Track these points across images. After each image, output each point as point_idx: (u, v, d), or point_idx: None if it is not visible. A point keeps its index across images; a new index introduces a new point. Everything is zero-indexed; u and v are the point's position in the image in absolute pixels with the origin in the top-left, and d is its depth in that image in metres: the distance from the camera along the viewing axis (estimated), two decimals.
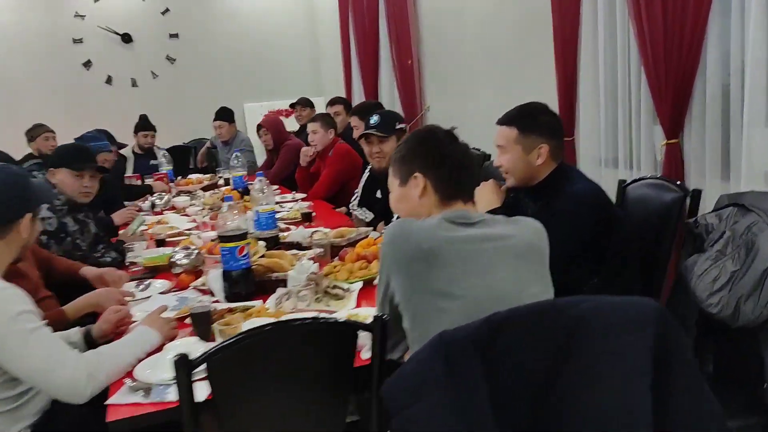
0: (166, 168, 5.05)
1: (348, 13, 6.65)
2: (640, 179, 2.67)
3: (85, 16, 7.35)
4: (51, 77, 7.34)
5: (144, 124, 5.91)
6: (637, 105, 3.04)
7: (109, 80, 7.56)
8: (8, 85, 7.20)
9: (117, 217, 3.71)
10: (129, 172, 5.09)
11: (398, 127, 3.18)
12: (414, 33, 5.45)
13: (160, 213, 4.04)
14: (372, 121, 3.10)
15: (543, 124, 2.19)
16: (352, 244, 2.69)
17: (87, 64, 7.45)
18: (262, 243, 2.67)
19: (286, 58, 8.08)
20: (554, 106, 2.75)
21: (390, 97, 6.03)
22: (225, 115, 6.04)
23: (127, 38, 7.54)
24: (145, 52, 7.66)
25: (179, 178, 5.22)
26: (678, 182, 2.49)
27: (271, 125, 5.38)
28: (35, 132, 5.45)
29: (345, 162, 4.09)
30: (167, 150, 5.96)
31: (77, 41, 7.38)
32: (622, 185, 2.69)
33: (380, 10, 5.91)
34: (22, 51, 7.21)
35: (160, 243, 3.14)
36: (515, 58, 4.15)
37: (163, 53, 7.72)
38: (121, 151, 5.83)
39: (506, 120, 2.22)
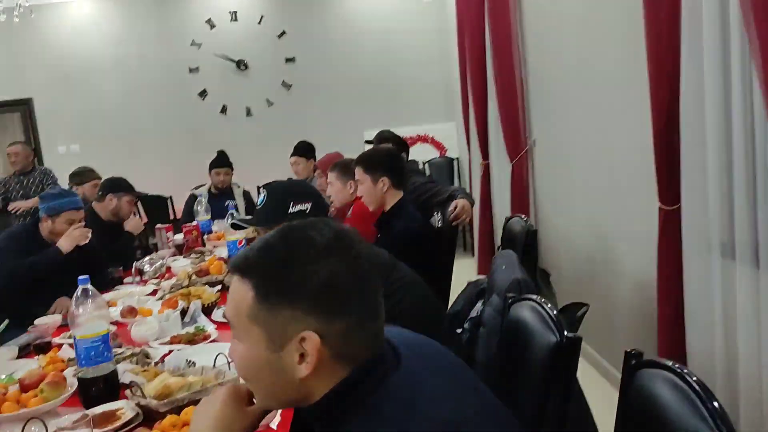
0: (203, 217, 4.53)
1: (464, 31, 5.72)
2: None
3: (201, 44, 7.29)
4: (168, 108, 7.36)
5: (218, 161, 5.51)
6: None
7: (224, 110, 7.42)
8: (128, 118, 7.34)
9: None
10: (201, 216, 4.46)
11: (292, 210, 1.99)
12: (517, 56, 4.41)
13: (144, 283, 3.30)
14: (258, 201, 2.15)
15: None
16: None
17: (202, 94, 7.38)
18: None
19: (414, 81, 7.40)
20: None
21: (496, 129, 4.99)
22: (303, 149, 5.43)
23: (242, 65, 7.35)
24: (260, 78, 7.40)
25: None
26: None
27: (326, 167, 4.62)
28: (85, 177, 5.26)
29: (367, 226, 3.23)
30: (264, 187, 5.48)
31: (193, 70, 7.34)
32: None
33: (486, 30, 4.92)
34: (142, 83, 7.32)
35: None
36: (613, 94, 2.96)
37: (278, 79, 7.41)
38: (197, 191, 5.49)
39: None
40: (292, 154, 5.41)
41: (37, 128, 7.28)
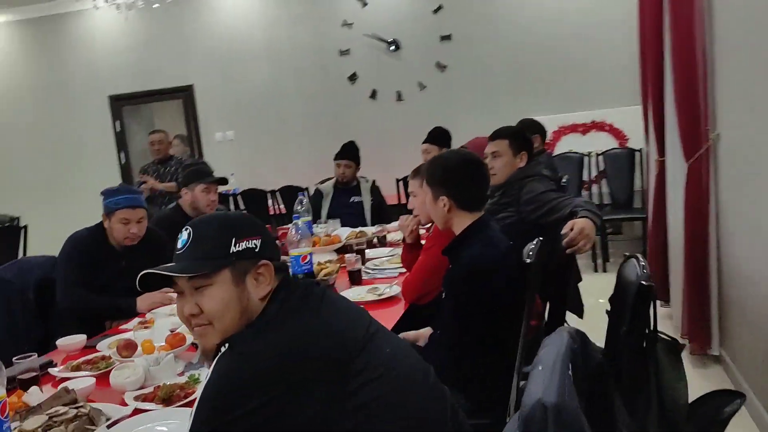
0: (305, 218, 4.05)
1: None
2: None
3: (353, 23, 6.92)
4: (317, 93, 7.13)
5: (340, 151, 5.04)
6: None
7: (373, 94, 7.00)
8: (278, 103, 7.24)
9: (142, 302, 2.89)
10: (302, 216, 4.08)
11: (236, 249, 1.36)
12: (699, 26, 3.36)
13: None
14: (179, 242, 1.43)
15: None
16: None
17: (352, 78, 7.02)
18: None
19: (591, 59, 6.37)
20: None
21: (672, 119, 3.94)
22: (437, 136, 4.81)
23: (394, 45, 6.86)
24: (413, 59, 6.86)
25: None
26: None
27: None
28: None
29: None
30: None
31: (344, 53, 7.00)
32: None
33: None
34: (292, 67, 7.16)
35: None
36: None
37: (432, 60, 6.81)
38: (323, 185, 5.12)
39: None
40: (425, 141, 4.81)
41: (197, 115, 7.46)
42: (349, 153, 5.04)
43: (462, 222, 2.11)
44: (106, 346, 2.29)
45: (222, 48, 7.28)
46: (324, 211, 4.98)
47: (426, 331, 2.38)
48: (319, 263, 3.42)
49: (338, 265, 2.97)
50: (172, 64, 7.42)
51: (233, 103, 7.34)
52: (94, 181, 7.57)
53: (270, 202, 6.34)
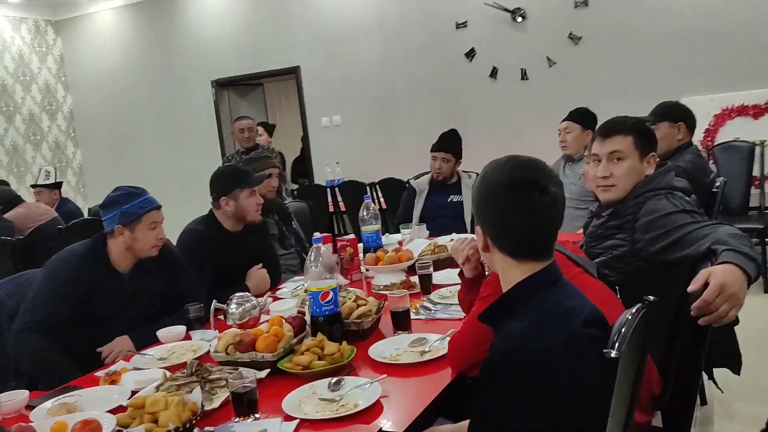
0: (370, 226, 3.36)
1: None
2: None
3: None
4: (430, 73, 6.41)
5: (438, 143, 4.34)
6: None
7: (493, 73, 6.16)
8: (387, 85, 6.61)
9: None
10: (367, 224, 3.31)
11: None
12: None
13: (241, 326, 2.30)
14: None
15: None
16: None
17: (470, 54, 6.22)
18: None
19: None
20: None
21: None
22: (582, 115, 3.99)
23: (518, 15, 5.97)
24: (540, 31, 5.93)
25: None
26: None
27: None
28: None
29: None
30: None
31: (461, 26, 6.21)
32: None
33: None
34: (403, 44, 6.49)
35: None
36: None
37: (564, 31, 5.84)
38: (417, 180, 4.45)
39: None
40: (565, 119, 4.01)
41: (304, 99, 7.04)
42: (448, 144, 4.32)
43: (509, 274, 1.36)
44: (44, 411, 1.77)
45: (328, 26, 6.78)
46: (416, 212, 4.32)
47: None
48: (376, 289, 2.78)
49: (381, 302, 2.29)
50: (277, 45, 7.05)
51: (340, 86, 6.83)
52: (199, 169, 7.42)
53: (369, 194, 5.76)
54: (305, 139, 7.10)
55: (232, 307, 2.42)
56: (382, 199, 5.65)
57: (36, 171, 7.92)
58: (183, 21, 7.52)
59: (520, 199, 1.31)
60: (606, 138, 2.14)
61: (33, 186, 5.75)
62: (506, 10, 5.99)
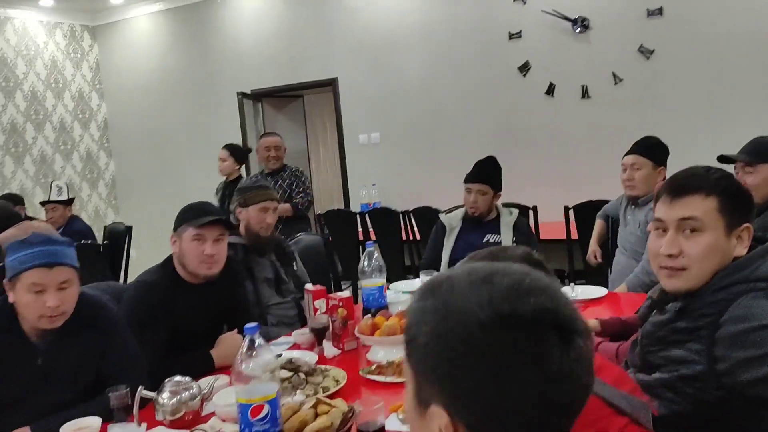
0: (371, 281, 2.73)
1: None
2: None
3: None
4: (479, 89, 5.77)
5: (474, 173, 3.72)
6: None
7: (550, 90, 5.47)
8: (432, 101, 5.99)
9: None
10: (368, 278, 2.63)
11: None
12: None
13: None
14: None
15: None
16: None
17: (524, 68, 5.56)
18: None
19: None
20: None
21: None
22: (651, 148, 3.26)
23: (580, 24, 5.28)
24: (606, 42, 5.22)
25: None
26: None
27: None
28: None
29: None
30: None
31: (514, 36, 5.56)
32: None
33: None
34: (450, 56, 5.87)
35: None
36: None
37: (634, 42, 5.12)
38: (449, 214, 3.84)
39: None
40: (632, 151, 3.31)
41: (341, 112, 6.51)
42: (484, 174, 3.71)
43: None
44: None
45: (369, 35, 6.24)
46: (446, 254, 3.69)
47: None
48: (365, 372, 2.16)
49: (351, 411, 1.68)
50: (314, 54, 6.55)
51: (380, 101, 6.27)
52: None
53: (402, 224, 5.15)
54: (342, 159, 6.56)
55: (164, 397, 1.87)
56: (417, 232, 5.04)
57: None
58: (218, 28, 7.13)
59: (531, 357, 0.70)
60: (676, 198, 1.48)
61: (44, 203, 5.40)
62: (566, 18, 5.31)
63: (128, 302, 2.40)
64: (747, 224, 1.46)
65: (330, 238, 5.48)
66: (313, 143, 7.55)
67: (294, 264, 3.35)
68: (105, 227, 6.14)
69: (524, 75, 5.56)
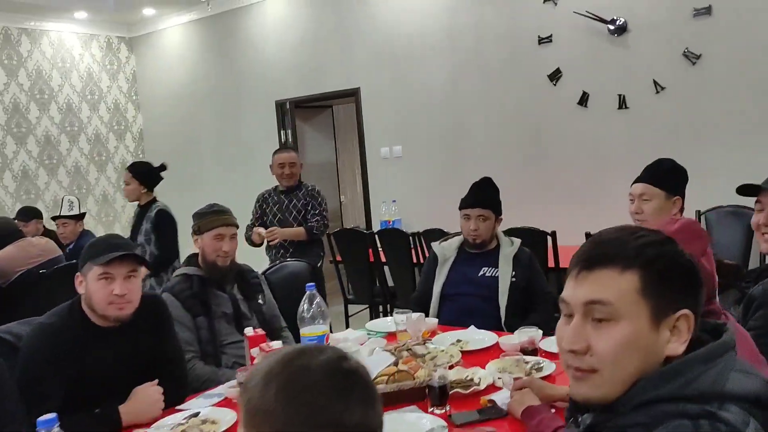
0: (314, 331, 2.31)
1: None
2: None
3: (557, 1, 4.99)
4: (506, 98, 5.32)
5: (471, 196, 3.28)
6: None
7: (583, 99, 4.96)
8: (455, 111, 5.56)
9: None
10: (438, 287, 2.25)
11: None
12: None
13: None
14: None
15: None
16: None
17: (555, 76, 5.06)
18: None
19: None
20: None
21: None
22: (666, 177, 2.71)
23: (617, 26, 4.76)
24: (646, 46, 4.68)
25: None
26: None
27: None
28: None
29: None
30: None
31: (544, 41, 5.08)
32: None
33: None
34: (475, 63, 5.43)
35: None
36: None
37: (678, 46, 4.56)
38: (440, 246, 3.43)
39: None
40: (640, 179, 2.81)
41: (363, 124, 6.18)
42: (485, 197, 3.30)
43: None
44: None
45: (390, 42, 5.89)
46: (437, 287, 3.29)
47: None
48: None
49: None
50: (337, 64, 6.25)
51: (403, 112, 5.90)
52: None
53: (413, 246, 4.76)
54: (363, 172, 6.23)
55: None
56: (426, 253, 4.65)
57: (99, 193, 7.69)
58: (245, 37, 6.95)
59: None
60: (584, 272, 1.07)
61: (55, 218, 5.31)
62: (602, 20, 4.80)
63: (25, 349, 2.14)
64: (684, 311, 1.03)
65: (338, 259, 5.16)
66: (342, 155, 7.25)
67: (260, 297, 3.03)
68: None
69: (555, 83, 5.07)
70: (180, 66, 7.62)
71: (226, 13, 7.06)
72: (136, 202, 4.63)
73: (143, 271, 2.23)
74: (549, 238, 4.13)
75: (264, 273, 3.54)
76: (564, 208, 4.97)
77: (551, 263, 4.15)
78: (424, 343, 2.59)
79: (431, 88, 5.67)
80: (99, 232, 7.56)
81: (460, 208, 3.29)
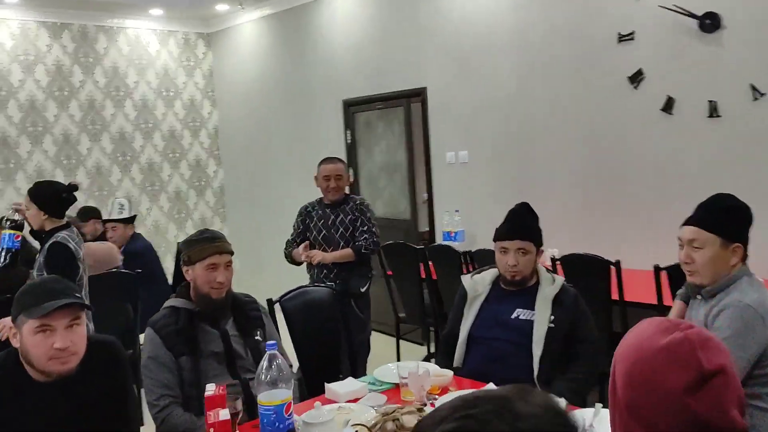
0: (276, 396, 1.96)
1: None
2: None
3: None
4: (579, 101, 4.77)
5: (509, 225, 2.84)
6: None
7: (668, 105, 4.34)
8: (524, 116, 5.07)
9: None
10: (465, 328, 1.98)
11: None
12: None
13: None
14: None
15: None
16: None
17: (636, 78, 4.46)
18: None
19: None
20: None
21: None
22: (726, 222, 2.17)
23: (710, 23, 4.11)
24: (743, 46, 4.01)
25: None
26: None
27: None
28: None
29: None
30: None
31: (625, 38, 4.48)
32: None
33: None
34: (546, 61, 4.90)
35: None
36: None
37: None
38: (471, 281, 3.02)
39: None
40: (691, 220, 2.35)
41: (429, 127, 5.79)
42: (524, 227, 2.90)
43: None
44: None
45: (457, 39, 5.45)
46: (464, 328, 2.91)
47: None
48: None
49: None
50: (406, 62, 5.89)
51: (469, 114, 5.47)
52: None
53: (464, 266, 4.34)
54: (428, 179, 5.84)
55: None
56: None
57: (172, 190, 7.74)
58: (314, 33, 6.72)
59: None
60: None
61: (105, 221, 5.29)
62: (691, 15, 4.16)
63: None
64: None
65: (389, 273, 4.85)
66: (415, 159, 6.86)
67: (259, 332, 2.76)
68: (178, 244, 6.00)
69: (636, 86, 4.47)
70: (254, 62, 7.51)
71: (295, 9, 6.87)
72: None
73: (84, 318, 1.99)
74: (612, 269, 3.60)
75: (280, 300, 3.27)
76: (636, 232, 4.41)
77: (615, 295, 3.63)
78: (424, 406, 2.23)
79: (499, 89, 5.20)
80: (171, 230, 7.64)
81: (496, 240, 2.88)
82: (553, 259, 3.86)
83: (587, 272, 3.68)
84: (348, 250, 4.06)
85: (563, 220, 4.76)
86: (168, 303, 2.70)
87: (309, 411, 2.04)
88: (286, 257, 4.23)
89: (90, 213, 5.50)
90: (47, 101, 6.86)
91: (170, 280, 5.76)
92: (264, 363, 1.96)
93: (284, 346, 3.22)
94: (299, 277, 4.29)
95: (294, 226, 4.32)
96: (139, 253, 5.10)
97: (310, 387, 3.08)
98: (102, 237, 5.15)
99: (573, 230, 4.72)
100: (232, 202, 8.12)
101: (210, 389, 2.10)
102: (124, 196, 6.56)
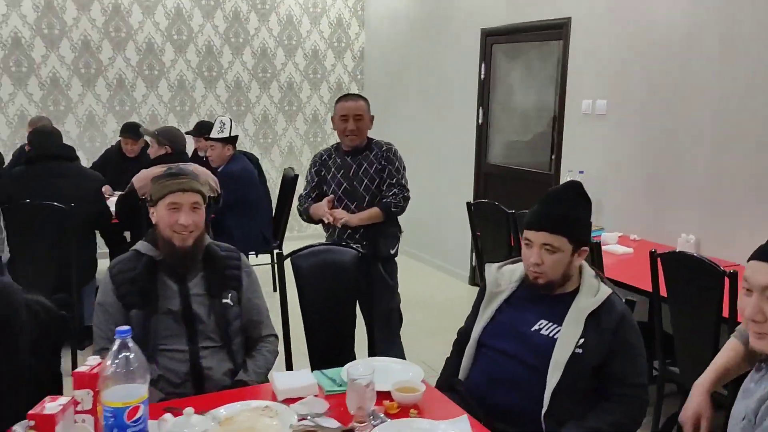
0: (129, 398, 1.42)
1: None
2: None
3: None
4: (758, 56, 3.64)
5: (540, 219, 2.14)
6: None
7: None
8: (687, 58, 4.02)
9: None
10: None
11: None
12: None
13: None
14: None
15: None
16: None
17: None
18: None
19: None
20: None
21: None
22: None
23: None
24: None
25: None
26: None
27: None
28: None
29: None
30: None
31: None
32: None
33: None
34: (722, 3, 3.80)
35: None
36: None
37: None
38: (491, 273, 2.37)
39: None
40: (758, 255, 1.52)
41: (567, 66, 4.90)
42: (557, 216, 2.22)
43: None
44: None
45: None
46: (476, 329, 2.33)
47: None
48: None
49: None
50: None
51: (615, 55, 4.50)
52: (452, 143, 6.10)
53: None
54: (558, 130, 5.00)
55: None
56: None
57: (310, 111, 7.58)
58: None
59: None
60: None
61: (207, 139, 5.20)
62: None
63: None
64: None
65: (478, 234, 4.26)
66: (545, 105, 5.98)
67: (230, 295, 2.38)
68: (284, 170, 5.83)
69: None
70: None
71: None
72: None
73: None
74: (727, 280, 2.72)
75: (291, 255, 2.86)
76: None
77: (726, 312, 2.76)
78: (361, 425, 1.74)
79: (660, 32, 4.16)
80: (306, 152, 7.52)
81: (526, 229, 2.20)
82: (653, 254, 3.02)
83: (691, 276, 2.84)
84: (376, 210, 3.44)
85: (698, 203, 3.81)
86: (136, 246, 2.41)
87: (178, 418, 1.65)
88: (300, 215, 3.64)
89: (205, 129, 5.48)
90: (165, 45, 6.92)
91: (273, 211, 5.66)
92: (113, 355, 1.56)
93: (291, 311, 2.84)
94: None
95: (307, 178, 3.65)
96: (235, 176, 4.97)
97: (317, 364, 2.67)
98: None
99: (708, 216, 3.76)
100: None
101: (91, 361, 1.74)
102: (225, 115, 6.45)
